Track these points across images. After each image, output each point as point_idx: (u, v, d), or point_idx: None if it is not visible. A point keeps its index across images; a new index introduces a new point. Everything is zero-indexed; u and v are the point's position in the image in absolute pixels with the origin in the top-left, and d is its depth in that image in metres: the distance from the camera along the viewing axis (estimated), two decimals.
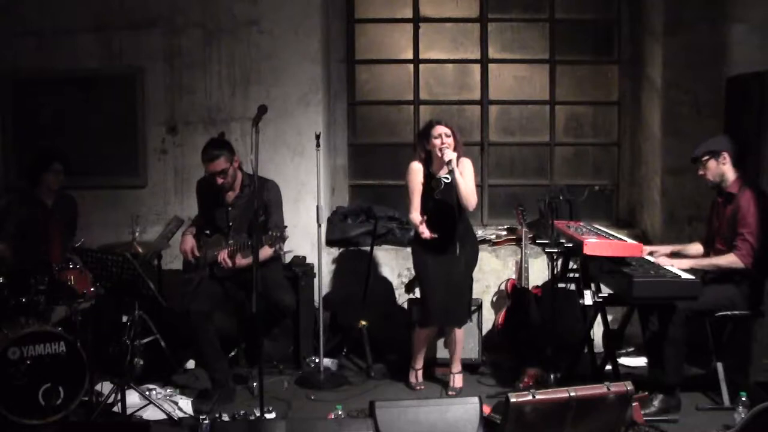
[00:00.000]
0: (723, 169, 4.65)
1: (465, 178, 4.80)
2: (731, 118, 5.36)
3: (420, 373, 5.15)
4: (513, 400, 3.45)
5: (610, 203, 6.49)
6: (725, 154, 4.63)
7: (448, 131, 4.80)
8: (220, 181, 4.86)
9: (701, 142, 4.77)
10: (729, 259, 4.56)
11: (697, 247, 4.94)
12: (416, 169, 4.92)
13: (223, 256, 4.79)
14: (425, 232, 4.73)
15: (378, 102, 6.54)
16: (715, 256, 4.70)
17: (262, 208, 4.78)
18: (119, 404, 4.45)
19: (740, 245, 4.53)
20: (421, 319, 5.05)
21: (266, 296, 4.64)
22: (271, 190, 4.98)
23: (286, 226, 4.73)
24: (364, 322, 5.55)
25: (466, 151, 5.04)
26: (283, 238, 4.58)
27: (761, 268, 4.56)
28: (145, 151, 6.09)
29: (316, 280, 5.58)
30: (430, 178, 4.88)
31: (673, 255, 4.84)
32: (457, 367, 5.08)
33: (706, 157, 4.67)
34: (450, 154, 4.72)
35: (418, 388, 5.09)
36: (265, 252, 4.76)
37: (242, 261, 4.82)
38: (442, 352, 5.30)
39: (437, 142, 4.79)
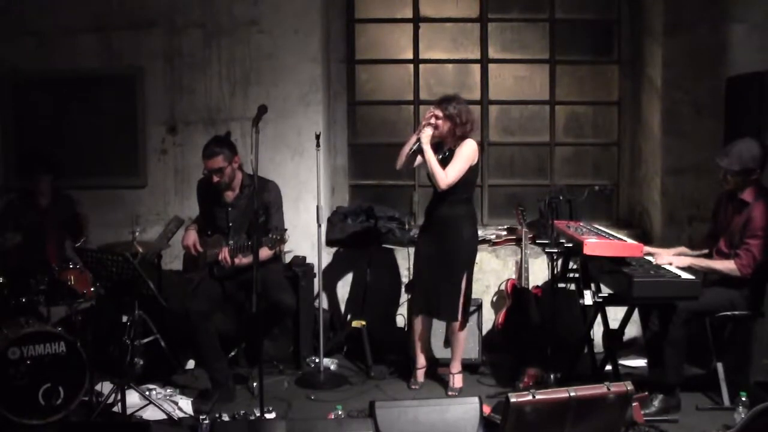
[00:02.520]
0: (746, 183, 4.58)
1: (457, 157, 4.78)
2: (731, 118, 5.35)
3: (420, 372, 5.14)
4: (513, 400, 3.44)
5: (610, 203, 6.48)
6: (758, 171, 4.52)
7: (440, 114, 4.79)
8: (216, 179, 4.85)
9: (737, 149, 4.54)
10: (728, 266, 4.54)
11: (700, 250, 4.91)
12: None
13: (223, 254, 4.79)
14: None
15: (378, 102, 6.54)
16: (714, 260, 4.68)
17: (262, 209, 4.78)
18: (119, 404, 4.44)
19: (742, 255, 4.50)
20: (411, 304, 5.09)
21: (266, 296, 4.64)
22: (271, 191, 4.97)
23: (286, 229, 4.72)
24: (362, 323, 5.55)
25: None
26: (283, 240, 4.58)
27: (762, 273, 4.55)
28: (145, 151, 6.08)
29: (316, 280, 5.58)
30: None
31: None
32: (457, 367, 5.07)
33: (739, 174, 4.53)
34: (424, 132, 4.75)
35: (418, 388, 5.09)
36: (265, 252, 4.75)
37: (243, 260, 4.82)
38: (442, 353, 5.31)
39: (427, 115, 4.83)
